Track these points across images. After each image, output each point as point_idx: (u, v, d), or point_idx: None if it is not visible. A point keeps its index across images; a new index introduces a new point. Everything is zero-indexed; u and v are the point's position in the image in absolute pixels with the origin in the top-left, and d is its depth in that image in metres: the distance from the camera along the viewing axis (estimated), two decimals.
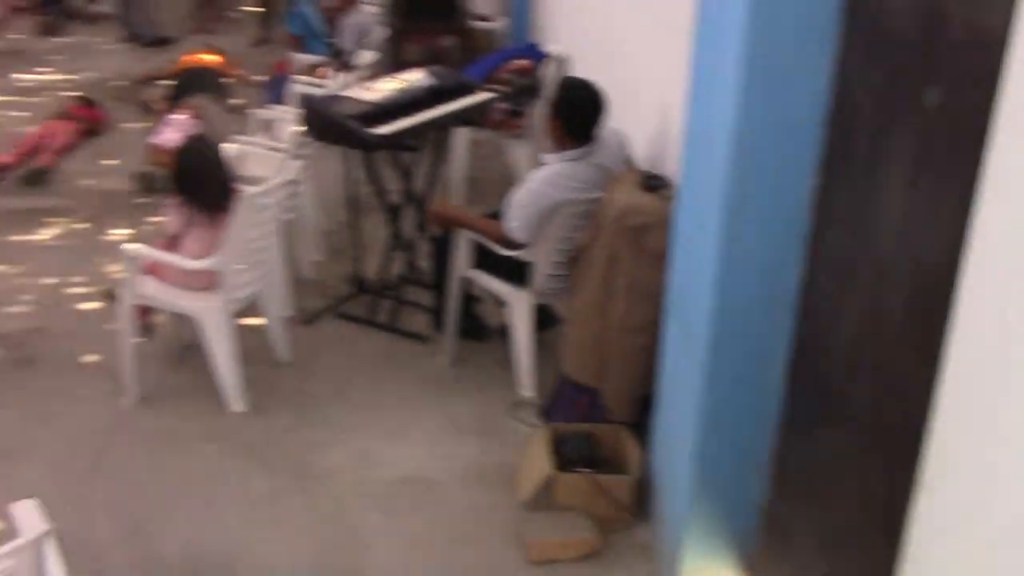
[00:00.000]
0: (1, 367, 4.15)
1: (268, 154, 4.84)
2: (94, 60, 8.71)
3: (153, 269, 3.94)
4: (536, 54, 6.20)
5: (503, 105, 5.85)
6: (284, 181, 4.00)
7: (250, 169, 4.94)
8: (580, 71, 5.84)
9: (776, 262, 2.54)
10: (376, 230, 5.17)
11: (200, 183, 3.84)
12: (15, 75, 8.22)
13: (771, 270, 2.55)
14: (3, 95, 7.73)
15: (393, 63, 6.87)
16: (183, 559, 3.11)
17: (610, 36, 4.99)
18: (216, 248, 3.77)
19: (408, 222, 4.76)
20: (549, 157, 3.82)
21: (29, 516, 2.16)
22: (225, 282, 3.81)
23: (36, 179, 6.09)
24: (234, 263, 3.82)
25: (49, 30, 9.36)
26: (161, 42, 9.20)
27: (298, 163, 4.56)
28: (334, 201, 5.38)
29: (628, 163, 3.83)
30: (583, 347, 3.49)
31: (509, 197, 3.80)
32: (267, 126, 5.49)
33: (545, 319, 4.23)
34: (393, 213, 4.68)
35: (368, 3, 7.48)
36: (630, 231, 3.26)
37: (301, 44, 7.15)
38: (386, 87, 4.44)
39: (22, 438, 3.70)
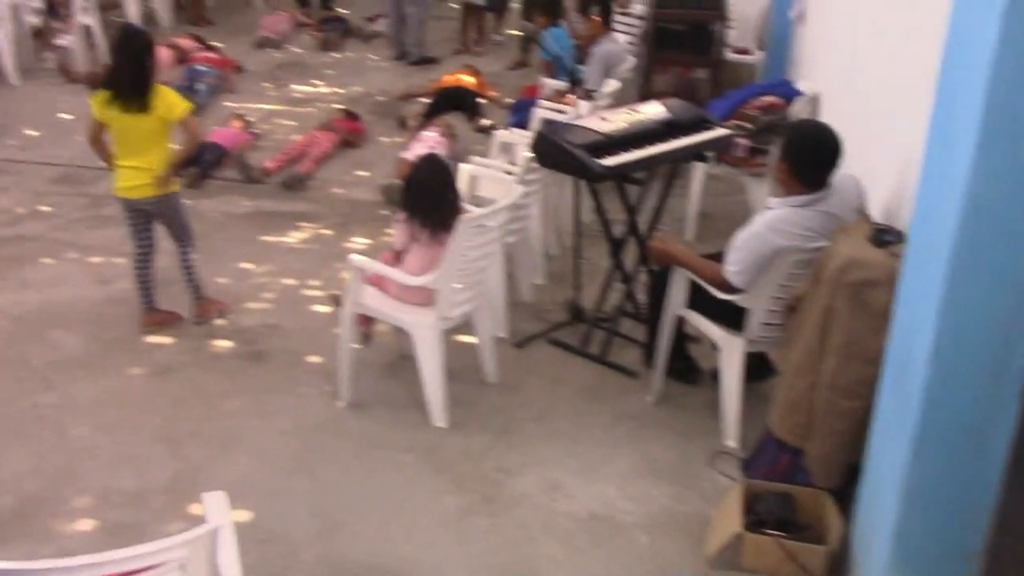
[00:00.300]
0: (234, 359, 4.46)
1: (501, 177, 4.93)
2: (363, 76, 9.24)
3: (376, 280, 4.10)
4: (787, 91, 5.97)
5: (745, 142, 5.69)
6: (509, 204, 4.05)
7: (482, 190, 5.06)
8: (829, 112, 5.58)
9: (1004, 335, 2.29)
10: (599, 259, 5.15)
11: (426, 201, 3.96)
12: (293, 86, 8.85)
13: (997, 343, 2.31)
14: (279, 104, 8.35)
15: (640, 93, 6.85)
16: (368, 565, 3.20)
17: (860, 78, 4.72)
18: (436, 266, 3.88)
19: (630, 254, 4.71)
20: (775, 201, 3.66)
21: (216, 507, 2.28)
22: (441, 300, 3.90)
23: (294, 184, 6.52)
24: (451, 282, 3.91)
25: (328, 46, 10.04)
26: (427, 61, 9.62)
27: (527, 188, 4.61)
28: (561, 227, 5.42)
29: (861, 213, 3.59)
30: (790, 403, 3.30)
31: (733, 239, 3.67)
32: (506, 149, 5.61)
33: (760, 368, 4.04)
34: (616, 244, 4.64)
35: (622, 31, 7.51)
36: (851, 286, 3.05)
37: (553, 70, 7.27)
38: (620, 118, 4.41)
39: (241, 429, 3.94)
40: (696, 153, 4.63)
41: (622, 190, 4.46)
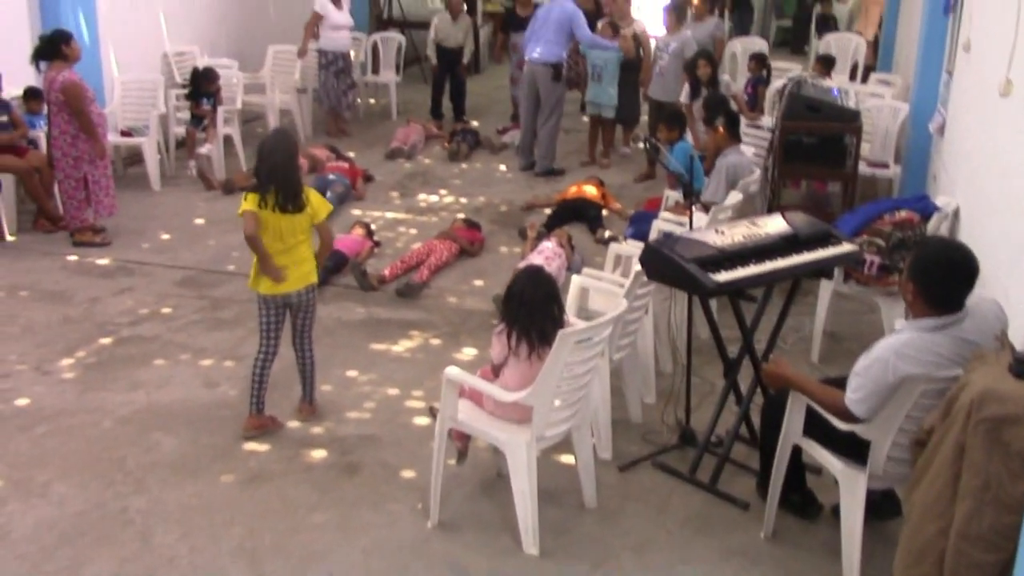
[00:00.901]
0: (327, 470, 4.33)
1: (613, 290, 4.74)
2: (489, 186, 9.29)
3: (473, 394, 3.94)
4: (924, 207, 5.63)
5: (877, 259, 5.35)
6: (613, 318, 3.84)
7: (594, 303, 4.88)
8: (968, 230, 5.21)
9: None
10: (714, 379, 4.87)
11: (525, 313, 3.80)
12: (419, 195, 8.96)
13: None
14: (403, 213, 8.43)
15: (767, 207, 6.60)
16: None
17: (1003, 195, 4.37)
18: (533, 381, 3.69)
19: (746, 375, 4.41)
20: (903, 324, 3.34)
21: None
22: (537, 417, 3.70)
23: (408, 293, 6.48)
24: (549, 399, 3.70)
25: (456, 156, 10.18)
26: (554, 173, 9.61)
27: (637, 301, 4.40)
28: (675, 343, 5.16)
29: (1001, 341, 3.23)
30: (917, 551, 2.92)
31: (855, 365, 3.36)
32: (621, 261, 5.43)
33: (887, 505, 3.66)
34: (731, 365, 4.36)
35: (749, 143, 7.30)
36: (987, 422, 2.70)
37: (677, 181, 7.11)
38: (737, 232, 4.18)
39: (325, 545, 3.78)
40: (819, 270, 4.35)
41: (736, 307, 4.20)
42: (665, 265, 3.97)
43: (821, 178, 7.16)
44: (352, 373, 5.35)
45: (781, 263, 4.06)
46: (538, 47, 9.47)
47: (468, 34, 11.75)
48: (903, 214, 5.46)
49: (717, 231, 4.18)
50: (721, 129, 6.46)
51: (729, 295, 4.11)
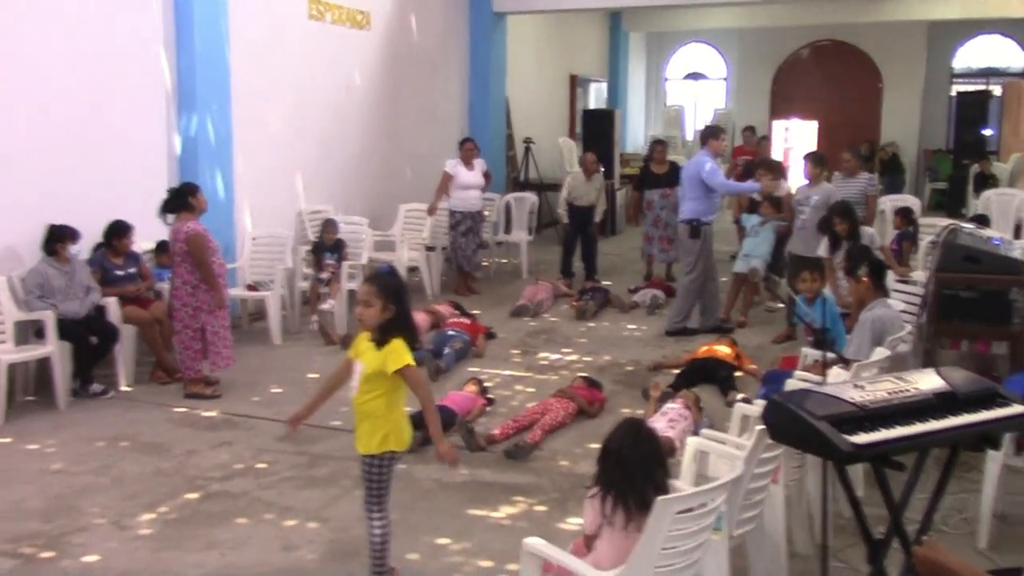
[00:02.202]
0: None
1: (735, 454, 4.12)
2: (616, 346, 8.81)
3: (560, 572, 3.35)
4: None
5: None
6: (725, 484, 3.24)
7: (712, 470, 4.27)
8: None
9: None
10: (857, 564, 4.12)
11: (623, 474, 3.25)
12: (541, 353, 8.54)
13: None
14: (522, 371, 8.01)
15: (919, 367, 5.85)
16: None
17: None
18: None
19: (895, 561, 3.65)
20: None
21: None
22: None
23: (518, 454, 5.97)
24: None
25: (584, 315, 9.78)
26: (689, 332, 9.05)
27: (760, 467, 3.77)
28: (809, 521, 4.44)
29: None
30: None
31: None
32: (748, 424, 4.80)
33: None
34: (876, 547, 3.62)
35: (899, 299, 6.61)
36: None
37: (818, 338, 6.46)
38: (881, 388, 3.53)
39: None
40: (984, 436, 3.62)
41: (882, 477, 3.50)
42: (792, 424, 3.35)
43: (983, 337, 6.36)
44: (443, 541, 4.82)
45: (935, 425, 3.38)
46: (682, 205, 9.37)
47: (601, 193, 11.57)
48: None
49: (857, 386, 3.55)
50: (865, 279, 5.83)
51: (871, 462, 3.42)
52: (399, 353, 4.07)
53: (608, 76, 19.97)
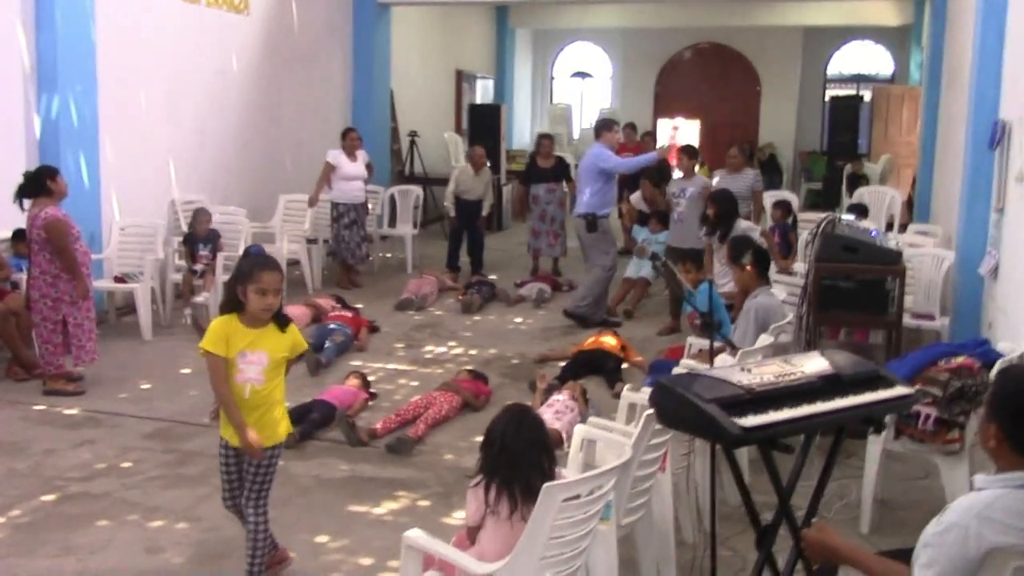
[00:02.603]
0: None
1: (623, 442, 4.02)
2: (502, 339, 8.68)
3: (444, 566, 3.19)
4: (985, 352, 4.91)
5: (933, 411, 4.62)
6: (612, 470, 3.13)
7: (601, 459, 4.16)
8: None
9: None
10: (746, 551, 4.07)
11: (507, 461, 3.11)
12: (426, 347, 8.35)
13: None
14: (406, 364, 7.81)
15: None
16: None
17: None
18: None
19: (783, 547, 3.61)
20: (985, 479, 2.60)
21: None
22: None
23: (400, 448, 5.77)
24: (533, 571, 2.95)
25: (469, 308, 9.62)
26: (581, 322, 8.97)
27: (648, 454, 3.68)
28: (701, 507, 4.38)
29: None
30: None
31: (924, 533, 2.61)
32: (636, 412, 4.72)
33: None
34: (765, 533, 3.57)
35: (781, 289, 6.66)
36: None
37: (702, 329, 6.47)
38: (768, 371, 3.48)
39: None
40: (868, 417, 3.61)
41: (770, 461, 3.44)
42: (680, 407, 3.26)
43: (862, 326, 6.46)
44: (322, 539, 4.59)
45: (822, 407, 3.34)
46: (578, 199, 9.20)
47: (488, 187, 11.46)
48: (960, 360, 4.75)
49: (744, 370, 3.49)
50: (749, 267, 5.85)
51: (760, 445, 3.36)
52: (298, 337, 4.05)
53: (495, 72, 19.90)
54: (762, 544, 3.56)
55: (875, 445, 4.79)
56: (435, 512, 4.96)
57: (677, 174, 9.85)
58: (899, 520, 4.91)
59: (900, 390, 3.57)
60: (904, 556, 2.74)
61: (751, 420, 3.16)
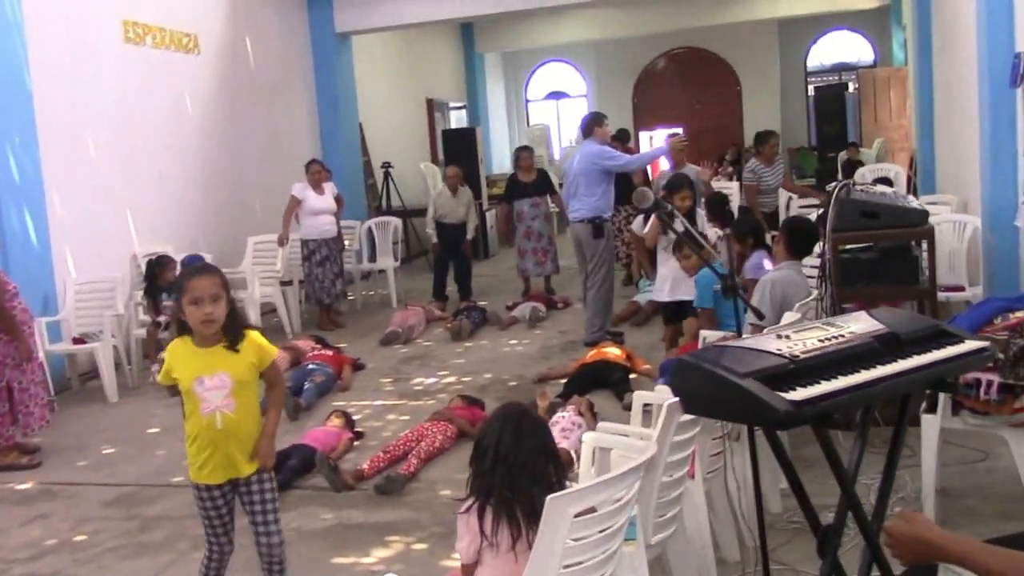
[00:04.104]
0: None
1: (641, 446, 3.37)
2: (497, 363, 8.02)
3: None
4: None
5: (995, 377, 3.96)
6: (635, 469, 2.47)
7: (614, 469, 3.49)
8: None
9: None
10: (798, 563, 3.39)
11: (505, 475, 2.45)
12: (416, 379, 7.69)
13: None
14: (395, 399, 7.14)
15: None
16: None
17: None
18: None
19: (854, 552, 2.94)
20: None
21: None
22: None
23: (390, 488, 5.10)
24: None
25: (460, 335, 8.96)
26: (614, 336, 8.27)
27: (676, 454, 3.02)
28: (736, 519, 3.71)
29: None
30: None
31: None
32: (648, 412, 4.06)
33: None
34: (826, 536, 2.89)
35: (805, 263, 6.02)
36: None
37: (714, 319, 5.81)
38: (810, 336, 2.83)
39: None
40: (939, 379, 2.95)
41: (827, 442, 2.77)
42: (710, 387, 2.60)
43: (890, 298, 5.78)
44: None
45: (883, 371, 2.69)
46: (573, 204, 8.31)
47: (470, 209, 10.82)
48: (1020, 315, 4.10)
49: (781, 336, 2.84)
50: (781, 243, 5.24)
51: (813, 423, 2.69)
52: (263, 343, 3.50)
53: (467, 99, 19.38)
54: (825, 549, 2.87)
55: (931, 426, 4.14)
56: (432, 556, 4.28)
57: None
58: (967, 509, 4.26)
59: (972, 344, 2.92)
60: (1017, 543, 2.09)
61: (800, 393, 2.51)
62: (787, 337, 2.82)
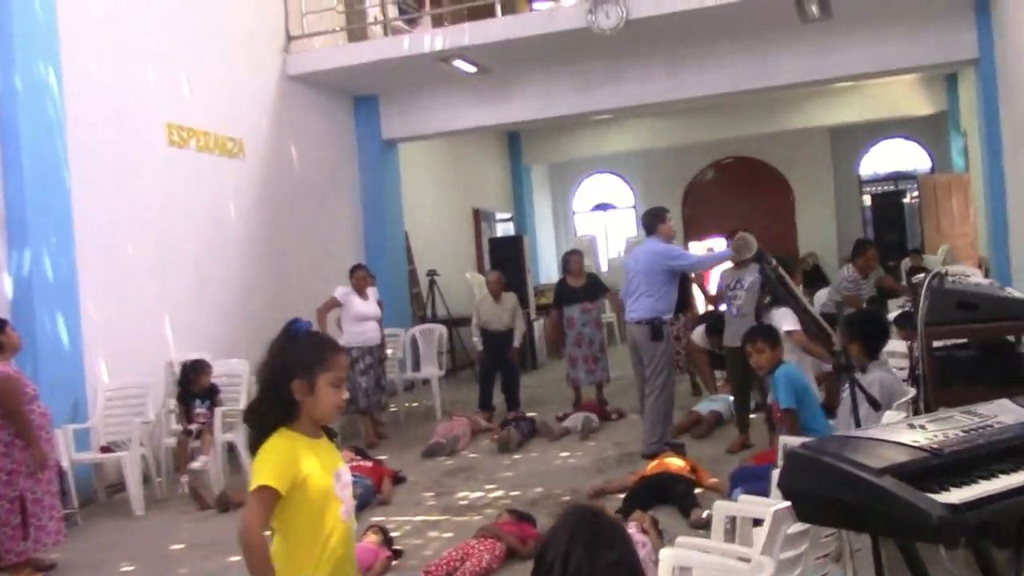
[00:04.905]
0: None
1: (730, 565, 2.79)
2: (548, 476, 7.44)
3: None
4: None
5: None
6: None
7: None
8: None
9: None
10: None
11: None
12: (460, 493, 7.11)
13: None
14: (436, 514, 6.57)
15: None
16: None
17: None
18: None
19: None
20: None
21: None
22: None
23: None
24: None
25: (508, 446, 8.40)
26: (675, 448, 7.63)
27: (787, 574, 2.45)
28: None
29: None
30: None
31: None
32: (735, 528, 3.48)
33: None
34: None
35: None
36: None
37: (795, 422, 5.18)
38: (948, 426, 2.29)
39: None
40: None
41: (987, 565, 2.19)
42: (833, 488, 2.06)
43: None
44: None
45: None
46: (631, 305, 7.79)
47: (516, 314, 10.32)
48: None
49: (914, 426, 2.30)
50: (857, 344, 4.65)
51: (974, 536, 2.12)
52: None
53: (513, 210, 19.18)
54: None
55: None
56: None
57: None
58: None
59: None
60: None
61: (956, 495, 1.97)
62: (922, 427, 2.28)
